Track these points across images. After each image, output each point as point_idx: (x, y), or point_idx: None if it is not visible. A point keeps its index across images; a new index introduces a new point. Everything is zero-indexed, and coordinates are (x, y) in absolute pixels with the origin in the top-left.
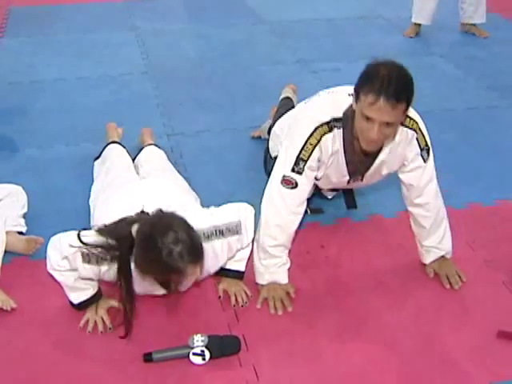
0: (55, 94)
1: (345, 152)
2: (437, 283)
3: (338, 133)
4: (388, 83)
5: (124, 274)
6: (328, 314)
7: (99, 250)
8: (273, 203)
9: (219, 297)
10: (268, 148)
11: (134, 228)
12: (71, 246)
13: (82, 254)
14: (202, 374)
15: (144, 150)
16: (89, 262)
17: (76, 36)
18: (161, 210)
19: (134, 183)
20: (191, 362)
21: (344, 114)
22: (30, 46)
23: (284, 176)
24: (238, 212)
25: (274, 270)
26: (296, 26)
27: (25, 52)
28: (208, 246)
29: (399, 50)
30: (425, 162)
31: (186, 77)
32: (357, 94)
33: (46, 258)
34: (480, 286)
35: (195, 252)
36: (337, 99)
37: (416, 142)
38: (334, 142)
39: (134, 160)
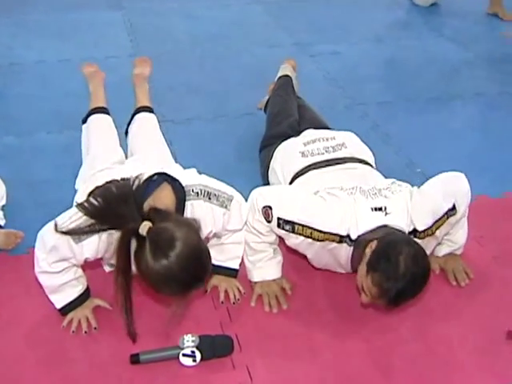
0: (35, 78)
1: (352, 265)
2: (442, 280)
3: (346, 248)
4: (396, 287)
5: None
6: (325, 313)
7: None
8: (253, 214)
9: (205, 291)
10: (264, 138)
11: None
12: (55, 233)
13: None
14: (193, 377)
15: (135, 122)
16: (79, 238)
17: (57, 15)
18: (163, 174)
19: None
20: (181, 364)
21: (359, 238)
22: (7, 27)
23: (270, 209)
24: (234, 191)
25: (261, 264)
26: (293, 5)
27: (2, 33)
28: (196, 204)
29: (403, 31)
30: (453, 215)
31: (175, 60)
32: (368, 265)
33: (26, 252)
34: (488, 283)
35: (206, 281)
36: (358, 211)
37: (438, 231)
38: (339, 252)
39: (127, 130)
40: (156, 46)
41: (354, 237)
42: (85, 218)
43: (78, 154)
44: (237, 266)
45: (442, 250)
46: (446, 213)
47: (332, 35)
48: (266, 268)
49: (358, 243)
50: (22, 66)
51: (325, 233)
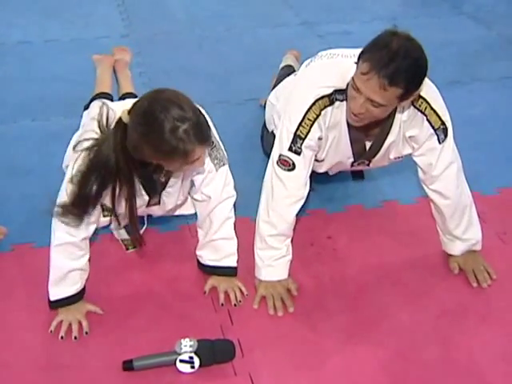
0: (19, 60)
1: (348, 128)
2: (462, 280)
3: (340, 106)
4: (389, 59)
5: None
6: (335, 316)
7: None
8: (270, 187)
9: (204, 292)
10: (265, 124)
11: (124, 111)
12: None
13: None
14: None
15: None
16: None
17: None
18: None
19: None
20: (178, 371)
21: (348, 84)
22: None
23: (280, 156)
24: (227, 161)
25: (271, 262)
26: None
27: None
28: None
29: (421, 8)
30: (440, 143)
31: (172, 41)
32: (358, 58)
33: (10, 250)
34: None
35: (203, 131)
36: (341, 66)
37: (427, 123)
38: (335, 115)
39: None
40: (150, 26)
41: (343, 86)
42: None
43: (65, 142)
44: (234, 264)
45: (458, 247)
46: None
47: (342, 13)
48: (276, 267)
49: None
50: (4, 46)
51: (313, 104)
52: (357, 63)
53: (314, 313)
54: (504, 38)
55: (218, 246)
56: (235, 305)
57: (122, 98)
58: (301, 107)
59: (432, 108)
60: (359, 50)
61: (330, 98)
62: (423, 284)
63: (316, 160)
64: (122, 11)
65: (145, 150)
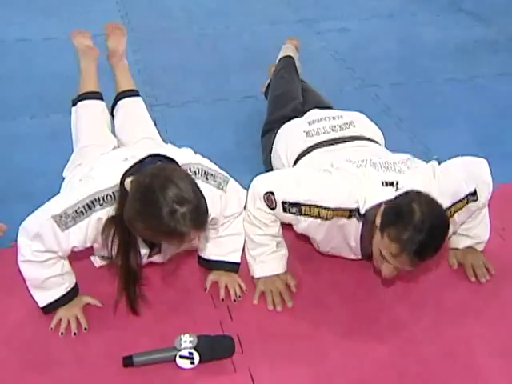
0: (18, 58)
1: (361, 244)
2: (460, 276)
3: (355, 223)
4: (417, 238)
5: (121, 228)
6: (334, 311)
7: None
8: (253, 201)
9: (205, 289)
10: (266, 122)
11: (128, 180)
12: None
13: (56, 221)
14: (191, 380)
15: (121, 110)
16: (66, 225)
17: None
18: (157, 156)
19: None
20: (178, 367)
21: (367, 212)
22: None
23: (273, 194)
24: (229, 177)
25: (262, 258)
26: None
27: None
28: None
29: (419, 5)
30: (475, 201)
31: (171, 39)
32: (381, 226)
33: (9, 247)
34: (511, 279)
35: (200, 215)
36: (368, 184)
37: (457, 216)
38: (348, 228)
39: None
40: (149, 23)
41: (362, 211)
42: (72, 203)
43: (64, 140)
44: (238, 260)
45: (462, 242)
46: (467, 196)
47: (340, 10)
48: (269, 262)
49: (367, 217)
50: (3, 43)
51: (333, 210)
52: (381, 228)
53: (313, 308)
54: (503, 34)
55: (224, 242)
56: (235, 300)
57: (121, 97)
58: (322, 196)
59: (454, 207)
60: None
61: (351, 214)
62: (422, 279)
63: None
64: (120, 9)
65: (139, 227)
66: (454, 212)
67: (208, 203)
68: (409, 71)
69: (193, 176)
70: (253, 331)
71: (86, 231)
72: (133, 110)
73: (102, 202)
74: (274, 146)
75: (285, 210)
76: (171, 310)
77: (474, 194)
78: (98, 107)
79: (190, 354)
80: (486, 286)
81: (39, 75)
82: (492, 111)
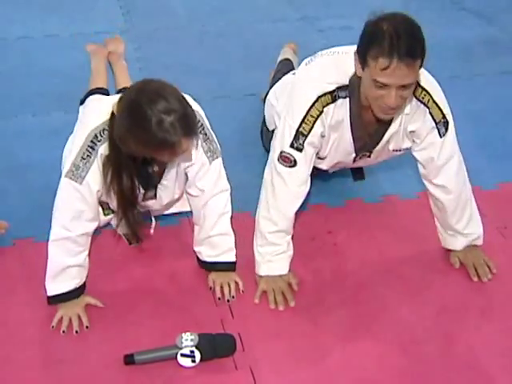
0: (19, 55)
1: (351, 125)
2: (462, 275)
3: (343, 103)
4: (398, 40)
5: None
6: (335, 310)
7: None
8: (271, 183)
9: (210, 288)
10: (264, 119)
11: (115, 103)
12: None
13: (70, 177)
14: (192, 379)
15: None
16: (81, 176)
17: None
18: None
19: None
20: (179, 365)
21: (350, 80)
22: None
23: (282, 152)
24: (220, 153)
25: (270, 258)
26: None
27: None
28: None
29: (421, 3)
30: (441, 136)
31: (172, 36)
32: (363, 59)
33: (11, 245)
34: None
35: (189, 123)
36: (342, 62)
37: (429, 116)
38: (338, 113)
39: None
40: (151, 21)
41: (346, 82)
42: (76, 153)
43: (66, 137)
44: (233, 259)
45: (459, 243)
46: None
47: (342, 8)
48: (276, 262)
49: (351, 85)
50: (5, 41)
51: (316, 101)
52: (362, 64)
53: (315, 307)
54: (505, 32)
55: (215, 243)
56: (228, 300)
57: (119, 92)
58: (303, 104)
59: (434, 101)
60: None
61: (333, 95)
62: (423, 278)
63: (318, 157)
64: (122, 6)
65: (131, 143)
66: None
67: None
68: None
69: None
70: (254, 329)
71: (100, 171)
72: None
73: (99, 137)
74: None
75: (298, 149)
76: (172, 309)
77: (447, 124)
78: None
79: (192, 352)
80: (488, 285)
81: (41, 72)
82: (493, 110)
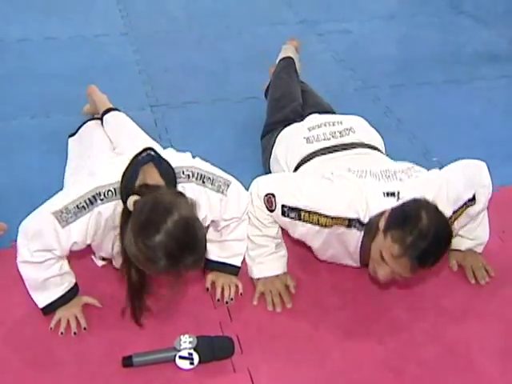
0: (18, 57)
1: (360, 254)
2: (460, 278)
3: (355, 233)
4: (421, 242)
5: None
6: (334, 313)
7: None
8: (251, 201)
9: (207, 289)
10: (265, 126)
11: (131, 200)
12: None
13: (57, 217)
14: (190, 381)
15: (105, 126)
16: (67, 221)
17: None
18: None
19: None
20: (177, 367)
21: (370, 220)
22: None
23: (273, 197)
24: (231, 178)
25: (261, 259)
26: None
27: None
28: (188, 187)
29: (419, 7)
30: (473, 205)
31: (171, 39)
32: (386, 227)
33: (9, 247)
34: (510, 281)
35: (200, 261)
36: (369, 195)
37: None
38: (347, 238)
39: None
40: (150, 23)
41: (365, 220)
42: (73, 198)
43: (65, 139)
44: (239, 264)
45: (464, 244)
46: (466, 203)
47: (341, 12)
48: (267, 263)
49: (369, 226)
50: (4, 43)
51: (332, 218)
52: (384, 230)
53: (313, 310)
54: (503, 37)
55: (228, 246)
56: (227, 302)
57: (104, 113)
58: (323, 205)
59: (451, 218)
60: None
61: (350, 223)
62: (422, 281)
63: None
64: (121, 8)
65: (134, 259)
66: (455, 219)
67: (203, 205)
68: (409, 73)
69: (185, 179)
70: (252, 332)
71: (87, 226)
72: (120, 121)
73: (102, 197)
74: (273, 151)
75: (283, 214)
76: (171, 311)
77: (473, 199)
78: (122, 115)
79: (190, 354)
80: (486, 288)
81: (40, 75)
82: (492, 113)
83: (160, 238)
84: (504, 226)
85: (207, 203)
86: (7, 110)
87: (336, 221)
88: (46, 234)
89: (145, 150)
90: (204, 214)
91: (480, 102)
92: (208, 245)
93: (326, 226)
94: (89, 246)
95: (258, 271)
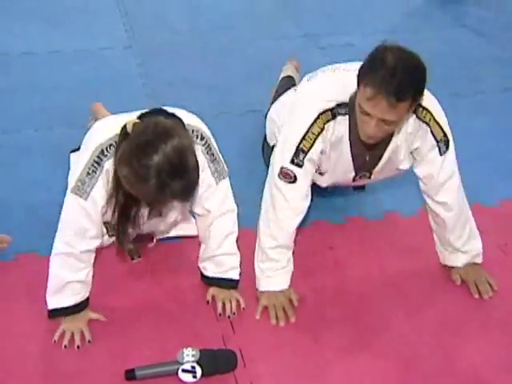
0: (22, 70)
1: (350, 143)
2: (463, 292)
3: (342, 120)
4: (390, 77)
5: None
6: (336, 326)
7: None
8: (271, 199)
9: (207, 302)
10: (266, 135)
11: (131, 121)
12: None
13: (76, 192)
14: None
15: None
16: (86, 191)
17: (47, 0)
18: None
19: None
20: (180, 380)
21: (350, 98)
22: None
23: (282, 168)
24: (227, 174)
25: (270, 273)
26: None
27: None
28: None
29: (422, 21)
30: (442, 154)
31: (175, 52)
32: (358, 81)
33: (13, 259)
34: None
35: (191, 191)
36: (343, 79)
37: (430, 134)
38: (338, 130)
39: None
40: (153, 37)
41: (346, 100)
42: (82, 168)
43: (68, 153)
44: (237, 277)
45: (460, 259)
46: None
47: (344, 26)
48: (275, 277)
49: (351, 102)
50: (8, 56)
51: (316, 120)
52: (358, 85)
53: (316, 323)
54: (506, 50)
55: (220, 261)
56: (229, 317)
57: None
58: (304, 120)
59: (435, 119)
60: (360, 64)
61: (333, 112)
62: (424, 295)
63: (318, 173)
64: (125, 22)
65: (122, 171)
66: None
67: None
68: None
69: (194, 139)
70: (255, 345)
71: (105, 186)
72: None
73: (106, 153)
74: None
75: (299, 165)
76: (174, 324)
77: (447, 143)
78: None
79: (193, 367)
80: (489, 301)
81: (44, 88)
82: (494, 127)
83: (156, 158)
84: (507, 239)
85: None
86: (11, 123)
87: (323, 120)
88: (75, 215)
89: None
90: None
91: (483, 115)
92: (202, 263)
93: (320, 133)
94: None
95: (265, 284)
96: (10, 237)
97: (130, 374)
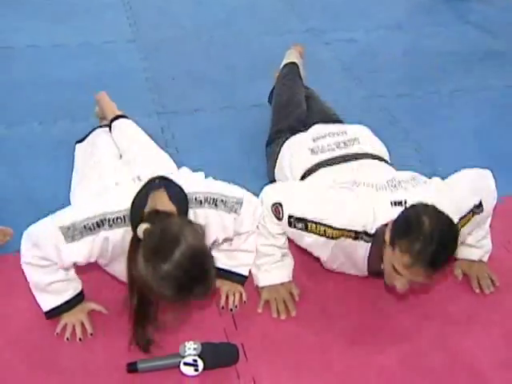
0: (27, 64)
1: (368, 264)
2: (465, 287)
3: (362, 245)
4: (429, 246)
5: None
6: (338, 321)
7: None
8: (263, 209)
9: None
10: (270, 135)
11: (141, 230)
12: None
13: (63, 232)
14: None
15: (114, 132)
16: (73, 238)
17: None
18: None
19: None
20: (182, 373)
21: (377, 231)
22: None
23: (279, 205)
24: (244, 192)
25: (266, 268)
26: None
27: None
28: (200, 212)
29: (426, 17)
30: (480, 213)
31: (179, 47)
32: (392, 240)
33: (15, 251)
34: None
35: (208, 290)
36: (376, 205)
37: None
38: (355, 249)
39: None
40: (158, 32)
41: (371, 231)
42: (82, 218)
43: (72, 146)
44: (246, 273)
45: (474, 254)
46: (472, 210)
47: (348, 21)
48: (273, 272)
49: (377, 237)
50: (12, 50)
51: (339, 229)
52: (391, 243)
53: (318, 318)
54: (510, 47)
55: (237, 256)
56: (231, 310)
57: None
58: (326, 216)
59: (461, 224)
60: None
61: (357, 235)
62: (426, 290)
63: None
64: (129, 16)
65: (145, 288)
66: (461, 226)
67: (216, 228)
68: (416, 82)
69: (198, 205)
70: (257, 339)
71: (92, 247)
72: (131, 128)
73: (111, 223)
74: (278, 161)
75: (290, 224)
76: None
77: (479, 205)
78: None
79: (195, 361)
80: (491, 297)
81: (48, 82)
82: (499, 123)
83: (168, 268)
84: (509, 237)
85: (220, 225)
86: (15, 117)
87: (342, 232)
88: (48, 247)
89: (158, 176)
90: (215, 236)
91: (487, 112)
92: (216, 253)
93: (332, 237)
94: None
95: (263, 279)
96: (12, 229)
97: (131, 367)
